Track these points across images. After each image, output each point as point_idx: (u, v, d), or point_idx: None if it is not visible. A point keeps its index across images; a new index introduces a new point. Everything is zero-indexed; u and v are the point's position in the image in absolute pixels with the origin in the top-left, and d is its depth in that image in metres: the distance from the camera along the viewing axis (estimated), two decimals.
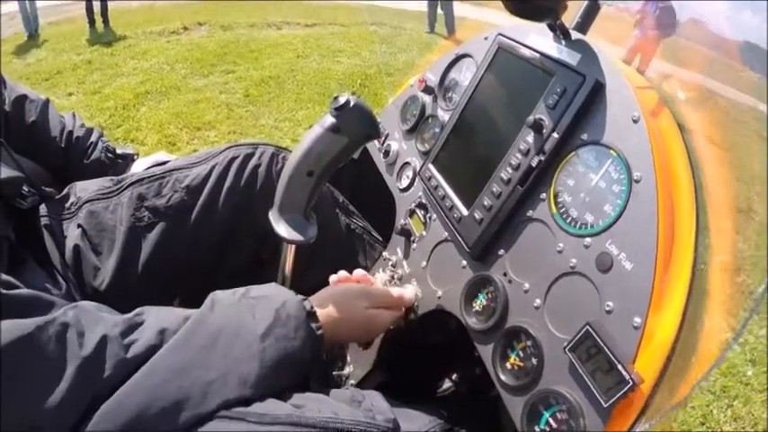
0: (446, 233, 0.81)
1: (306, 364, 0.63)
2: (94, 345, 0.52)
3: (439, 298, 0.78)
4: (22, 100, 1.01)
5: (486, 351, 0.65)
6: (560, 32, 0.71)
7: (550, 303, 0.60)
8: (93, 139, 1.09)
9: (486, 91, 0.84)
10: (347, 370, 0.93)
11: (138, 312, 0.60)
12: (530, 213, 0.67)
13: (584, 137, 0.63)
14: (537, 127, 0.66)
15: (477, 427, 0.75)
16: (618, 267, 0.54)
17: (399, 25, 7.63)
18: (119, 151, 1.12)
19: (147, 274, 0.88)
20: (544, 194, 0.66)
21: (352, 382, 0.91)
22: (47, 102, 1.06)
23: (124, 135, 3.42)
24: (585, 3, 0.77)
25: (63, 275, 0.83)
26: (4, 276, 0.56)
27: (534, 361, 0.59)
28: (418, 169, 0.94)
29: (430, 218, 0.87)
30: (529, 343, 0.60)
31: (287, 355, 0.60)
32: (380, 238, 1.10)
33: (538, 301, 0.61)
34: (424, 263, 0.84)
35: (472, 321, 0.69)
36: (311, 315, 0.65)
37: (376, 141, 1.11)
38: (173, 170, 0.94)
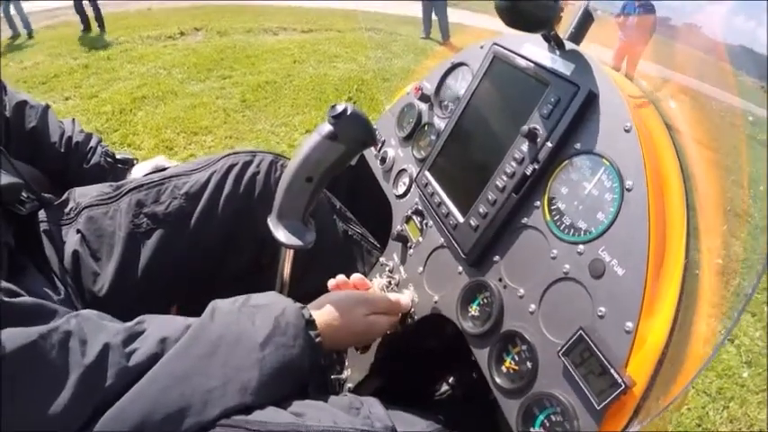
0: (442, 239, 0.82)
1: (304, 371, 0.64)
2: (96, 353, 0.52)
3: (435, 303, 0.79)
4: (22, 106, 1.01)
5: (481, 355, 0.67)
6: (554, 43, 0.72)
7: (545, 308, 0.61)
8: (92, 144, 1.10)
9: (481, 100, 0.85)
10: (345, 374, 0.94)
11: (140, 321, 0.60)
12: (524, 220, 0.68)
13: (578, 146, 0.65)
14: (531, 136, 0.68)
15: (474, 430, 0.76)
16: (610, 273, 0.55)
17: (395, 31, 7.67)
18: (118, 156, 1.13)
19: (146, 279, 0.88)
20: (538, 202, 0.67)
21: (349, 386, 0.91)
22: (47, 107, 1.07)
23: (121, 139, 3.42)
24: (579, 14, 0.78)
25: (62, 281, 0.83)
26: (5, 284, 0.56)
27: (529, 364, 0.60)
28: (415, 176, 0.96)
29: (426, 224, 0.88)
30: (524, 347, 0.62)
31: (286, 363, 0.61)
32: (377, 244, 1.11)
33: (532, 306, 0.62)
34: (421, 268, 0.85)
35: (468, 326, 0.70)
36: (310, 323, 0.66)
37: (372, 148, 1.12)
38: (171, 177, 0.95)
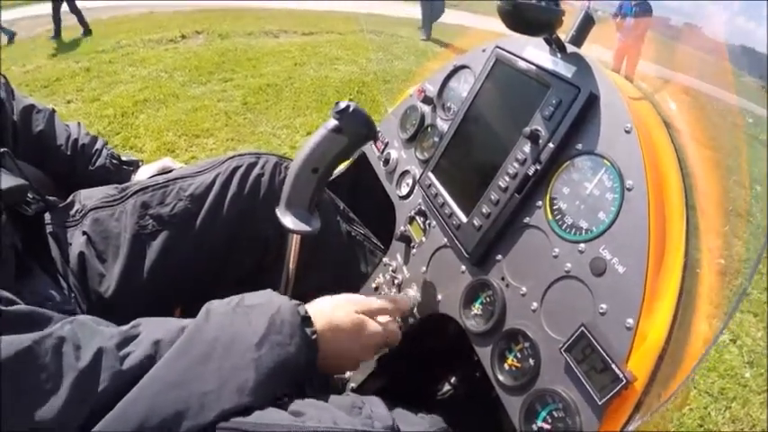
0: (445, 239, 0.83)
1: (301, 369, 0.63)
2: (90, 357, 0.53)
3: (438, 302, 0.80)
4: (29, 110, 1.03)
5: (484, 353, 0.68)
6: (556, 46, 0.73)
7: (547, 306, 0.62)
8: (98, 146, 1.11)
9: (484, 102, 0.86)
10: (348, 374, 0.95)
11: (135, 324, 0.60)
12: (527, 220, 0.69)
13: (579, 147, 0.66)
14: (533, 137, 0.69)
15: (477, 428, 0.77)
16: (611, 271, 0.56)
17: (395, 33, 7.69)
18: (124, 158, 1.14)
19: (151, 280, 0.89)
20: (540, 202, 0.68)
21: (352, 385, 0.92)
22: (53, 111, 1.08)
23: (123, 142, 3.44)
24: (580, 17, 0.79)
25: (68, 283, 0.84)
26: (5, 293, 0.56)
27: (531, 362, 0.61)
28: (418, 177, 0.97)
29: (429, 224, 0.89)
30: (526, 344, 0.63)
31: (282, 361, 0.60)
32: (381, 245, 1.12)
33: (535, 305, 0.63)
34: (424, 268, 0.86)
35: (471, 324, 0.71)
36: (306, 320, 0.66)
37: (376, 150, 1.13)
38: (176, 179, 0.96)
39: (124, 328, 0.59)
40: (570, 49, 0.73)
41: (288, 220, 0.79)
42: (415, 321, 0.84)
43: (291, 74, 5.16)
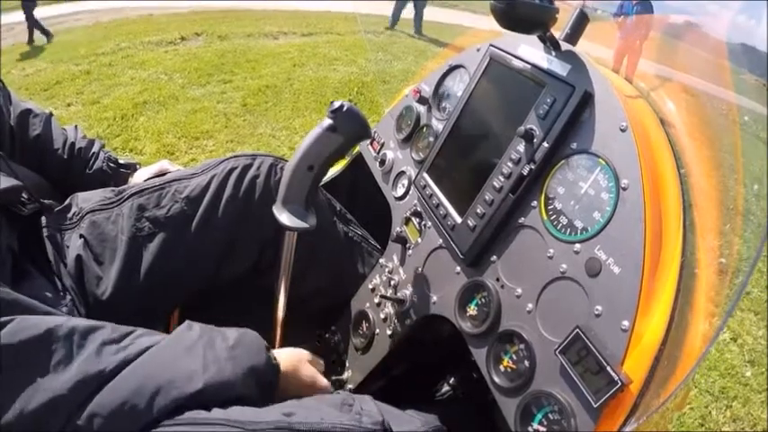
0: (440, 240, 0.83)
1: (266, 385, 0.71)
2: (95, 347, 0.61)
3: (434, 303, 0.79)
4: (26, 114, 1.02)
5: (480, 354, 0.67)
6: (550, 44, 0.73)
7: (542, 307, 0.62)
8: (95, 149, 1.10)
9: (478, 101, 0.86)
10: (345, 375, 0.94)
11: (133, 329, 0.68)
12: (521, 220, 0.69)
13: (574, 146, 0.65)
14: (528, 136, 0.68)
15: (472, 428, 0.77)
16: (606, 272, 0.56)
17: (394, 33, 7.71)
18: (121, 161, 1.14)
19: (148, 282, 0.89)
20: (535, 202, 0.67)
21: (350, 386, 0.92)
22: (50, 115, 1.08)
23: (123, 145, 3.43)
24: (574, 15, 0.79)
25: (66, 285, 0.84)
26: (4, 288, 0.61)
27: (527, 363, 0.60)
28: (413, 178, 0.96)
29: (425, 225, 0.89)
30: (521, 346, 0.62)
31: (253, 366, 0.69)
32: (377, 246, 1.12)
33: (530, 306, 0.63)
34: (420, 269, 0.85)
35: (466, 326, 0.71)
36: (267, 348, 0.74)
37: (372, 151, 1.13)
38: (172, 181, 0.96)
39: (124, 327, 0.67)
40: (565, 47, 0.72)
41: (284, 217, 0.81)
42: (411, 323, 0.84)
43: (291, 75, 5.16)
